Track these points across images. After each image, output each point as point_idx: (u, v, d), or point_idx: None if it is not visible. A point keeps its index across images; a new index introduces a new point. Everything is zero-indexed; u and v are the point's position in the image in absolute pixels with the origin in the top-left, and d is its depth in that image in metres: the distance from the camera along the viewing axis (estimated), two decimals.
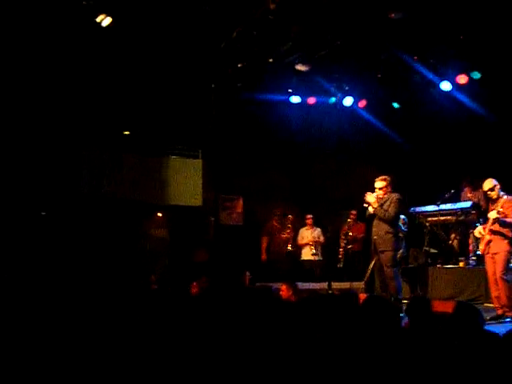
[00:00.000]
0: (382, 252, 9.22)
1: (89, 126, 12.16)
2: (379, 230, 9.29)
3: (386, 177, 9.44)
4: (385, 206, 9.19)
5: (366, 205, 9.46)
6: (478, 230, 9.07)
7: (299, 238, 13.47)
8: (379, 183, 9.37)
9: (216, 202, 13.81)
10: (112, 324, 5.16)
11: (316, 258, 13.32)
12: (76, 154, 12.20)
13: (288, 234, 13.30)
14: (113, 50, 11.34)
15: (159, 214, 13.12)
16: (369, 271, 11.18)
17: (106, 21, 10.65)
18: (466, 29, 10.65)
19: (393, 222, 9.19)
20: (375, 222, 9.40)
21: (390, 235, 9.13)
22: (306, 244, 13.32)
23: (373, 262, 10.76)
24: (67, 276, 9.78)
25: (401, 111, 13.73)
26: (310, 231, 13.41)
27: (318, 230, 13.46)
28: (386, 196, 9.30)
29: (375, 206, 9.26)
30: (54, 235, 11.36)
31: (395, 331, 4.80)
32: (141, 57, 11.66)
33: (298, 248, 13.50)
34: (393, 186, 9.39)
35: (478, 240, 9.64)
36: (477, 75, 11.95)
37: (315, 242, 13.29)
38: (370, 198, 9.33)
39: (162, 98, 12.61)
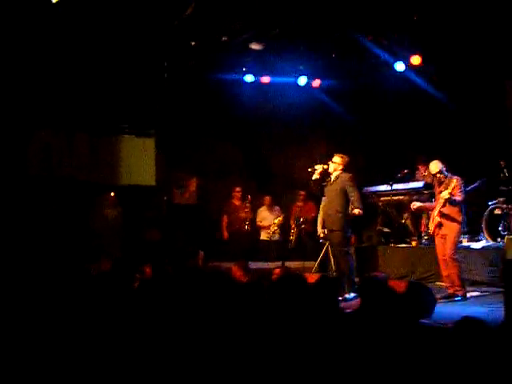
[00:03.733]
0: (332, 231, 9.28)
1: (38, 105, 11.89)
2: (329, 209, 9.35)
3: (344, 155, 9.51)
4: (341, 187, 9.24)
5: (310, 169, 9.54)
6: (416, 205, 9.32)
7: (258, 218, 13.44)
8: (336, 158, 9.43)
9: (169, 181, 13.69)
10: (63, 308, 5.09)
11: (274, 238, 13.31)
12: (25, 134, 11.94)
13: (246, 213, 13.26)
14: (63, 26, 11.07)
15: (112, 194, 12.93)
16: (323, 251, 11.25)
17: None
18: (419, 9, 10.67)
19: (346, 202, 9.24)
20: (326, 201, 9.45)
21: (340, 215, 9.18)
22: (265, 227, 13.29)
23: (328, 242, 10.85)
24: (16, 259, 9.61)
25: (355, 91, 13.74)
26: (268, 212, 13.40)
27: (277, 209, 13.46)
28: (336, 173, 9.35)
29: (317, 176, 9.36)
30: (2, 218, 11.12)
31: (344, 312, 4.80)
32: (92, 33, 11.41)
33: (256, 229, 13.49)
34: (346, 167, 9.44)
35: (427, 218, 9.80)
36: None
37: (276, 224, 13.28)
38: (318, 167, 9.43)
39: (113, 77, 12.38)
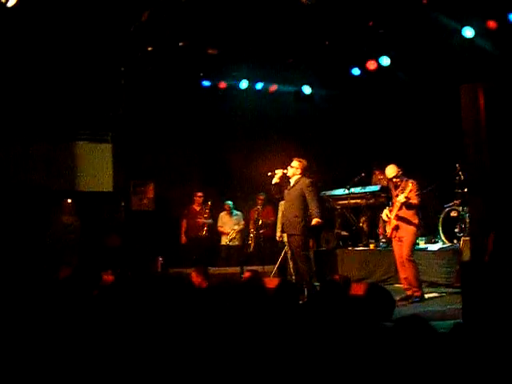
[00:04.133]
0: (291, 236, 9.30)
1: None
2: (288, 213, 9.37)
3: (303, 160, 9.53)
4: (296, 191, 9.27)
5: (269, 173, 9.58)
6: (385, 213, 9.35)
7: (219, 223, 13.41)
8: (295, 163, 9.45)
9: (127, 187, 13.60)
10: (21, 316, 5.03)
11: (234, 243, 13.29)
12: None
13: (205, 218, 13.20)
14: (17, 32, 10.94)
15: (68, 201, 12.79)
16: (282, 255, 11.30)
17: (11, 1, 10.26)
18: (375, 15, 10.79)
19: (305, 206, 9.28)
20: (286, 205, 9.48)
21: (299, 219, 9.19)
22: (227, 233, 13.27)
23: (286, 246, 10.89)
24: None
25: (313, 95, 13.83)
26: (229, 217, 13.38)
27: (239, 215, 13.44)
28: (295, 177, 9.38)
29: (276, 180, 9.41)
30: None
31: (305, 315, 4.83)
32: (48, 39, 11.29)
33: (217, 234, 13.46)
34: (304, 171, 9.47)
35: (385, 223, 9.88)
36: (386, 61, 12.14)
37: (237, 229, 13.28)
38: (278, 171, 9.46)
39: (70, 83, 12.26)
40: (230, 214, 13.39)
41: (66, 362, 4.17)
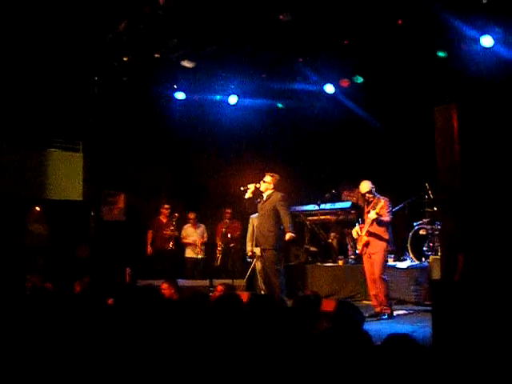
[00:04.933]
0: (264, 250, 9.33)
1: None
2: (262, 227, 9.40)
3: (275, 174, 9.59)
4: (269, 206, 9.29)
5: (242, 188, 9.62)
6: (355, 230, 9.40)
7: (183, 234, 13.35)
8: (267, 177, 9.52)
9: (97, 197, 13.51)
10: None
11: (199, 255, 13.23)
12: None
13: (171, 231, 13.12)
14: None
15: (37, 209, 12.68)
16: (250, 269, 11.29)
17: None
18: (350, 33, 10.88)
19: (279, 220, 9.31)
20: (259, 220, 9.50)
21: (272, 233, 9.24)
22: (191, 244, 13.22)
23: (255, 260, 10.90)
24: None
25: (286, 111, 13.88)
26: (193, 229, 13.33)
27: (202, 227, 13.40)
28: (267, 192, 9.42)
29: (249, 195, 9.45)
30: None
31: (280, 330, 4.84)
32: (21, 47, 11.22)
33: (181, 245, 13.40)
34: (277, 186, 9.52)
35: (354, 240, 9.94)
36: (359, 79, 12.25)
37: (201, 241, 13.21)
38: (251, 186, 9.50)
39: (43, 90, 12.18)
40: (194, 225, 13.33)
41: (34, 372, 4.13)
